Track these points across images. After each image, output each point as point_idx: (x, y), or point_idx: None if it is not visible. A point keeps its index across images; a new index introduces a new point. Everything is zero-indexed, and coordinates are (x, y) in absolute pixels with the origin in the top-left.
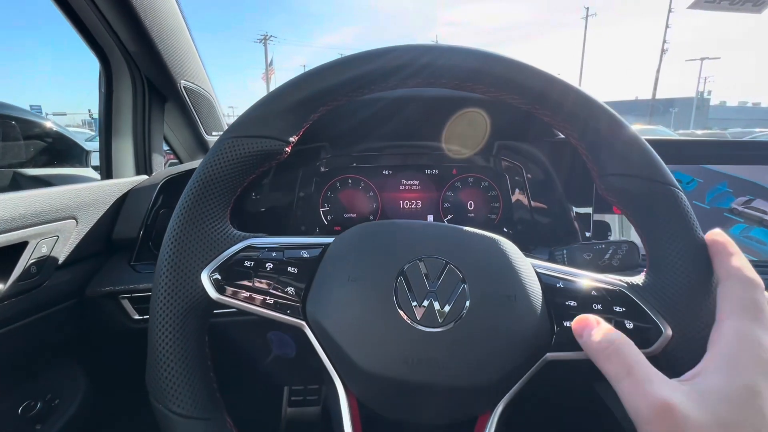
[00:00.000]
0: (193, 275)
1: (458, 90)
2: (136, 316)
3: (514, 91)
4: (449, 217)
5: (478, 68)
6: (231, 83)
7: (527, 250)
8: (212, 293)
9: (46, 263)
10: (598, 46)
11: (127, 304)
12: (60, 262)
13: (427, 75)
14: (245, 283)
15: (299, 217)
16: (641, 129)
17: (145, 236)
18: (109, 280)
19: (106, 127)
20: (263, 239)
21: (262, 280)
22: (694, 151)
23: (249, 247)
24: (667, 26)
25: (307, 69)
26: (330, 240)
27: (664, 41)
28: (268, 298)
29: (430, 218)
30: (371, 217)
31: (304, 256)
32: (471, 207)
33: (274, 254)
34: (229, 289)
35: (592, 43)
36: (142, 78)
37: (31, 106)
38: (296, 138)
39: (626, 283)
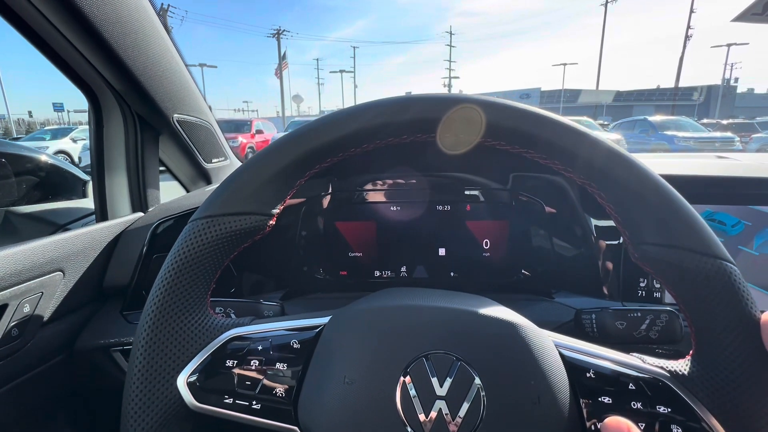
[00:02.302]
0: (167, 381)
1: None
2: None
3: (518, 143)
4: (462, 257)
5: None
6: (245, 78)
7: (548, 294)
8: (190, 401)
9: (29, 323)
10: (619, 33)
11: (119, 356)
12: (45, 319)
13: (423, 129)
14: (228, 386)
15: (301, 257)
16: (663, 120)
17: (138, 283)
18: (100, 332)
19: (98, 164)
20: (247, 328)
21: (248, 382)
22: (742, 189)
23: (232, 340)
24: (692, 11)
25: (319, 63)
26: (324, 320)
27: (689, 27)
28: (254, 402)
29: (442, 251)
30: (377, 254)
31: (295, 346)
32: (486, 246)
33: (260, 346)
34: (210, 395)
35: (612, 30)
36: (133, 114)
37: (53, 104)
38: (281, 208)
39: (669, 371)
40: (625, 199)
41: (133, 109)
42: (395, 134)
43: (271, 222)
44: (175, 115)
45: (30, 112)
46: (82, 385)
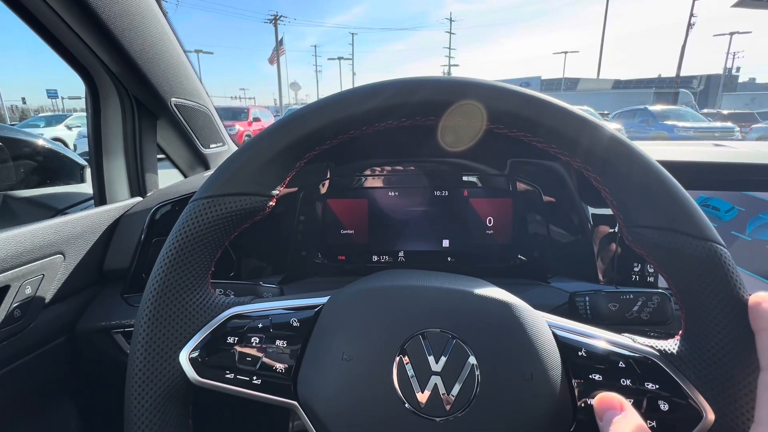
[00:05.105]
0: (170, 356)
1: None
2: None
3: (519, 128)
4: (459, 242)
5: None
6: (242, 65)
7: (544, 279)
8: (192, 376)
9: (31, 305)
10: (621, 21)
11: (120, 338)
12: (47, 300)
13: (424, 112)
14: (229, 362)
15: (300, 242)
16: (664, 109)
17: (138, 266)
18: (101, 314)
19: (96, 149)
20: (248, 306)
21: (248, 358)
22: (736, 175)
23: (232, 318)
24: None
25: (317, 50)
26: (323, 300)
27: (692, 14)
28: (255, 378)
29: (446, 243)
30: (373, 238)
31: (294, 324)
32: (483, 232)
33: (260, 324)
34: (212, 370)
35: (614, 18)
36: (130, 98)
37: (47, 90)
38: (281, 189)
39: (658, 350)
40: (620, 182)
41: (131, 92)
42: (407, 116)
43: (271, 203)
44: (173, 99)
45: (23, 99)
46: (84, 366)
